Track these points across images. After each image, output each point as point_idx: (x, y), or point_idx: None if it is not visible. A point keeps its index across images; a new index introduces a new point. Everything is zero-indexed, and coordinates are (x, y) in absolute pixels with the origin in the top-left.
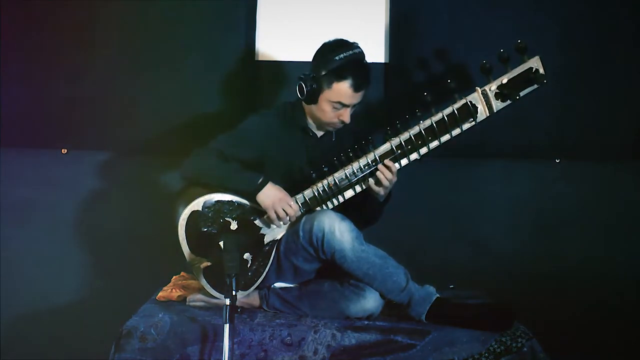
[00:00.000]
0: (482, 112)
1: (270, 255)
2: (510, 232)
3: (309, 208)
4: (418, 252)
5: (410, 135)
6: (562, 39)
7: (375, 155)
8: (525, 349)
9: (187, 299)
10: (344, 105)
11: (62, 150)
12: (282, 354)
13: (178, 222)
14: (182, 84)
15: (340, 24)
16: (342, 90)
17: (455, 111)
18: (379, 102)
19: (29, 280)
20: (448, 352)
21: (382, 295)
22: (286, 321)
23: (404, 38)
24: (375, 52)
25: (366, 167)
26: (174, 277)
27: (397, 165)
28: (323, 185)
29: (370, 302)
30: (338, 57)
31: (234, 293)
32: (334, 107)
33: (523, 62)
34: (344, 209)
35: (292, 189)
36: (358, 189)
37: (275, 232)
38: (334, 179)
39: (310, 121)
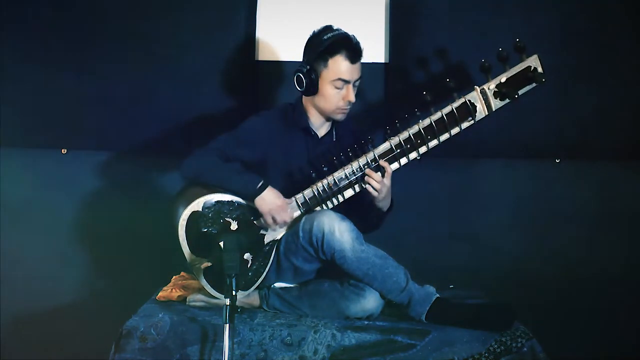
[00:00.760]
0: (481, 111)
1: (270, 255)
2: (510, 232)
3: (308, 208)
4: (418, 252)
5: (409, 134)
6: (562, 38)
7: (374, 155)
8: (525, 349)
9: (187, 299)
10: (345, 82)
11: (62, 150)
12: (282, 354)
13: (178, 222)
14: (182, 84)
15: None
16: (339, 64)
17: (454, 110)
18: (379, 102)
19: (29, 280)
20: (448, 352)
21: (382, 295)
22: (286, 321)
23: (404, 38)
24: (375, 52)
25: (366, 167)
26: (174, 277)
27: (396, 164)
28: (323, 185)
29: (370, 302)
30: (326, 37)
31: (234, 293)
32: (336, 88)
33: (522, 61)
34: (346, 214)
35: (292, 189)
36: (358, 188)
37: (275, 232)
38: (334, 179)
39: (311, 120)
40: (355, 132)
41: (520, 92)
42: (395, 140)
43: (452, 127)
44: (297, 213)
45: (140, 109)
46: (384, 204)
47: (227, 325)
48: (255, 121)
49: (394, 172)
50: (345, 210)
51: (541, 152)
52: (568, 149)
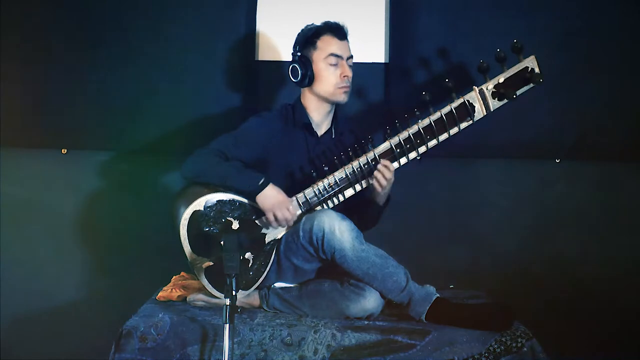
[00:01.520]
0: (480, 111)
1: (271, 255)
2: (510, 232)
3: (309, 207)
4: (418, 252)
5: (409, 134)
6: (562, 39)
7: (375, 154)
8: (525, 349)
9: (188, 299)
10: (338, 57)
11: (62, 150)
12: (282, 354)
13: (179, 222)
14: (182, 84)
15: None
16: (327, 42)
17: (453, 110)
18: (379, 102)
19: (29, 280)
20: (448, 352)
21: (382, 295)
22: (286, 321)
23: (404, 38)
24: (375, 52)
25: (366, 166)
26: (174, 277)
27: (396, 164)
28: (324, 185)
29: (371, 302)
30: (309, 27)
31: (234, 293)
32: (331, 65)
33: (519, 61)
34: (345, 213)
35: (293, 188)
36: (358, 188)
37: (276, 232)
38: (334, 178)
39: (311, 117)
40: (355, 132)
41: (519, 92)
42: (395, 140)
43: (451, 127)
44: (298, 212)
45: (140, 109)
46: (382, 199)
47: (227, 325)
48: (255, 121)
49: (394, 171)
50: (344, 208)
51: (541, 152)
52: (568, 149)
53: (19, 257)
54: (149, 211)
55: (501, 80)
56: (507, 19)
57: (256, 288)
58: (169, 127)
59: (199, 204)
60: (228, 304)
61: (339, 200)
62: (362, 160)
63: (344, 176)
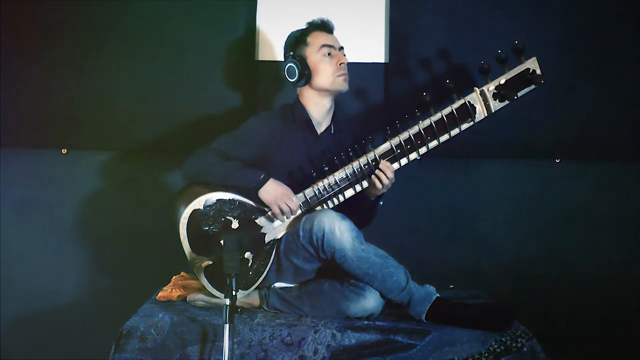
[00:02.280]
0: (481, 112)
1: (271, 255)
2: (510, 232)
3: (309, 207)
4: (418, 252)
5: (409, 135)
6: (562, 39)
7: (375, 155)
8: (525, 349)
9: (188, 298)
10: (330, 47)
11: (62, 150)
12: (282, 354)
13: (179, 221)
14: (182, 84)
15: (340, 24)
16: (317, 36)
17: (454, 111)
18: (379, 102)
19: (29, 280)
20: (448, 352)
21: (382, 295)
22: (286, 321)
23: (404, 38)
24: (375, 52)
25: (366, 167)
26: (174, 277)
27: (396, 164)
28: (324, 185)
29: (371, 301)
30: (297, 30)
31: (233, 293)
32: (326, 55)
33: (520, 63)
34: (340, 211)
35: (293, 188)
36: (358, 188)
37: (276, 232)
38: (335, 179)
39: (311, 114)
40: (355, 132)
41: (520, 94)
42: (395, 141)
43: (452, 128)
44: (298, 212)
45: (140, 109)
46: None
47: (227, 325)
48: (255, 121)
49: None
50: (341, 208)
51: (541, 152)
52: (568, 149)
53: (19, 257)
54: (149, 211)
55: (502, 81)
56: (507, 18)
57: (256, 288)
58: (169, 127)
59: (198, 203)
60: (228, 304)
61: (339, 201)
62: (363, 160)
63: (344, 176)
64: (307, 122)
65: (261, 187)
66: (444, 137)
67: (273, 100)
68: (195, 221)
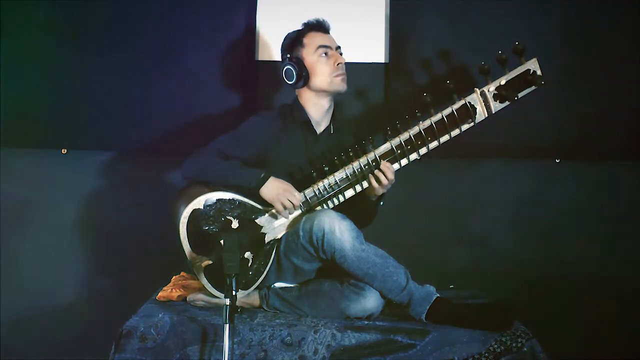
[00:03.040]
0: (481, 113)
1: (271, 255)
2: (510, 232)
3: (309, 207)
4: (418, 252)
5: (410, 135)
6: (563, 39)
7: (375, 155)
8: (525, 349)
9: (188, 298)
10: (327, 47)
11: (62, 150)
12: (282, 354)
13: (179, 220)
14: (182, 84)
15: (340, 24)
16: (313, 37)
17: (455, 112)
18: (379, 102)
19: (29, 280)
20: (448, 352)
21: (382, 295)
22: (286, 321)
23: (404, 38)
24: (375, 52)
25: (366, 167)
26: (174, 277)
27: (396, 165)
28: (324, 185)
29: (371, 301)
30: (292, 31)
31: (233, 293)
32: (323, 56)
33: (521, 63)
34: (340, 211)
35: None
36: (358, 188)
37: (276, 231)
38: (335, 179)
39: (310, 114)
40: (355, 132)
41: (520, 94)
42: (395, 141)
43: (452, 129)
44: (298, 212)
45: (140, 109)
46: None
47: (227, 325)
48: (254, 121)
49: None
50: (341, 208)
51: (541, 152)
52: (568, 149)
53: (19, 257)
54: (149, 211)
55: (503, 82)
56: (508, 19)
57: (256, 288)
58: (169, 127)
59: (198, 203)
60: (228, 303)
61: (339, 201)
62: (363, 160)
63: (345, 176)
64: (306, 123)
65: (262, 185)
66: (445, 138)
67: (273, 100)
68: (196, 221)
